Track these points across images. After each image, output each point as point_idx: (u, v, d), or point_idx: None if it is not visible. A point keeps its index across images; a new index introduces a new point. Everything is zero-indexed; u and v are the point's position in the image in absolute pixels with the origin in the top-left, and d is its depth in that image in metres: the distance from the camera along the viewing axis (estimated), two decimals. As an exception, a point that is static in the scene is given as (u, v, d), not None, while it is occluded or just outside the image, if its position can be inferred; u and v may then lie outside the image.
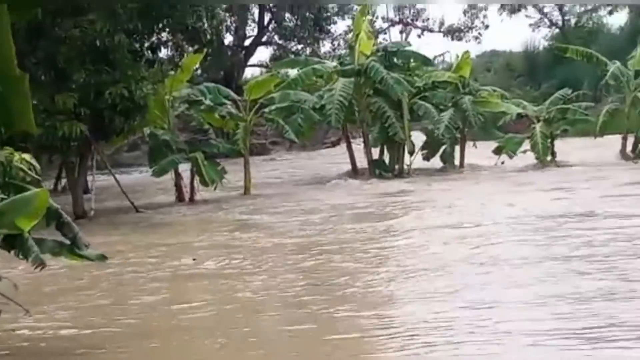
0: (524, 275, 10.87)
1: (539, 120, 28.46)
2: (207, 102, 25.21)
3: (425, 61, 30.11)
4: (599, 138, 28.91)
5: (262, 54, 52.31)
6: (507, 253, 12.48)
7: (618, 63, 28.77)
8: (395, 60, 29.66)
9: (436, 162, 29.29)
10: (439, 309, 9.35)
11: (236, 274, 12.55)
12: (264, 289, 11.29)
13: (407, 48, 30.78)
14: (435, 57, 31.92)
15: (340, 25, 50.27)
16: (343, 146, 37.45)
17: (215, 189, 24.20)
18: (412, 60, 30.19)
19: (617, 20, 57.22)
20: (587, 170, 25.44)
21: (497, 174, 26.60)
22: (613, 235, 13.36)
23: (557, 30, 56.58)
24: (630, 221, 14.67)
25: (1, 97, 6.18)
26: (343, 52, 43.99)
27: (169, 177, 24.58)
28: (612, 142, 28.99)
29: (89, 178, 24.36)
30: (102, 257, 9.35)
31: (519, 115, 29.19)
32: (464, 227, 15.37)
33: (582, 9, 55.93)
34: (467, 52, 30.99)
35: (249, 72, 51.03)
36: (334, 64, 30.91)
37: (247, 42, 50.36)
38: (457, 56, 31.32)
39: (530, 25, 57.16)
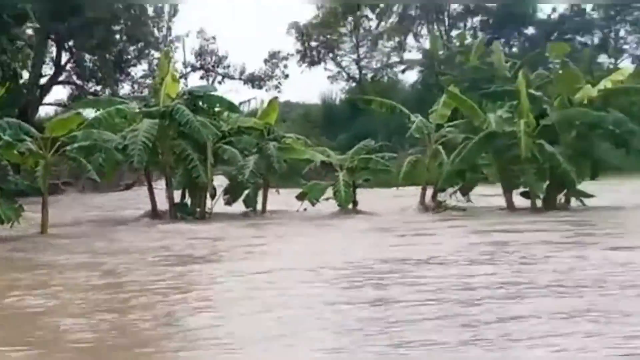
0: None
1: (342, 169, 28.85)
2: (6, 137, 24.26)
3: (231, 106, 30.01)
4: (401, 189, 29.61)
5: (58, 93, 51.21)
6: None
7: (420, 116, 29.60)
8: (200, 104, 29.45)
9: (237, 207, 29.14)
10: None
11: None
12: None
13: (213, 93, 30.74)
14: (241, 103, 31.88)
15: (139, 69, 50.01)
16: (137, 190, 37.01)
17: (11, 227, 23.25)
18: (217, 105, 30.03)
19: (409, 77, 59.54)
20: (391, 219, 25.93)
21: (303, 220, 26.74)
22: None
23: (354, 83, 58.07)
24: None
25: None
26: (143, 94, 43.63)
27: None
28: (413, 193, 29.72)
29: None
30: None
31: (322, 164, 29.52)
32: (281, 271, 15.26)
33: (379, 65, 57.70)
34: (275, 98, 31.23)
35: (42, 111, 49.80)
36: (138, 105, 30.49)
37: (43, 80, 49.10)
38: (263, 102, 31.54)
39: (329, 77, 58.54)
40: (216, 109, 30.14)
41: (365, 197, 29.65)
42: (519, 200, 27.78)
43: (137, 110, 28.90)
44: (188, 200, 28.72)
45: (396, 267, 15.43)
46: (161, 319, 11.39)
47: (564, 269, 14.47)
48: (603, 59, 62.46)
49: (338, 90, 58.46)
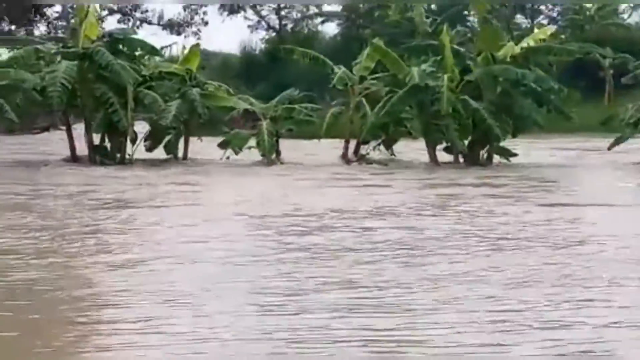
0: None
1: (265, 118, 28.57)
2: None
3: (153, 50, 29.55)
4: (325, 140, 29.56)
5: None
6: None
7: (343, 67, 29.41)
8: (121, 47, 28.85)
9: (158, 153, 28.75)
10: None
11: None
12: None
13: (134, 36, 30.24)
14: (162, 48, 31.44)
15: (53, 10, 48.93)
16: (54, 133, 36.29)
17: None
18: (139, 49, 29.49)
19: (329, 29, 59.39)
20: (313, 170, 25.79)
21: (227, 168, 26.50)
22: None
23: (274, 33, 57.67)
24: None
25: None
26: (60, 35, 42.68)
27: None
28: (335, 145, 29.62)
29: None
30: None
31: (244, 113, 29.25)
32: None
33: (300, 15, 57.39)
34: (197, 44, 30.78)
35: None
36: (55, 46, 29.83)
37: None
38: (184, 48, 31.07)
39: (249, 27, 58.05)
40: (136, 53, 29.58)
41: (287, 147, 29.44)
42: (441, 155, 27.82)
43: (55, 51, 28.24)
44: (107, 145, 28.21)
45: (343, 218, 15.26)
46: (101, 257, 11.18)
47: (504, 223, 14.52)
48: (520, 19, 63.15)
49: (258, 40, 58.18)
